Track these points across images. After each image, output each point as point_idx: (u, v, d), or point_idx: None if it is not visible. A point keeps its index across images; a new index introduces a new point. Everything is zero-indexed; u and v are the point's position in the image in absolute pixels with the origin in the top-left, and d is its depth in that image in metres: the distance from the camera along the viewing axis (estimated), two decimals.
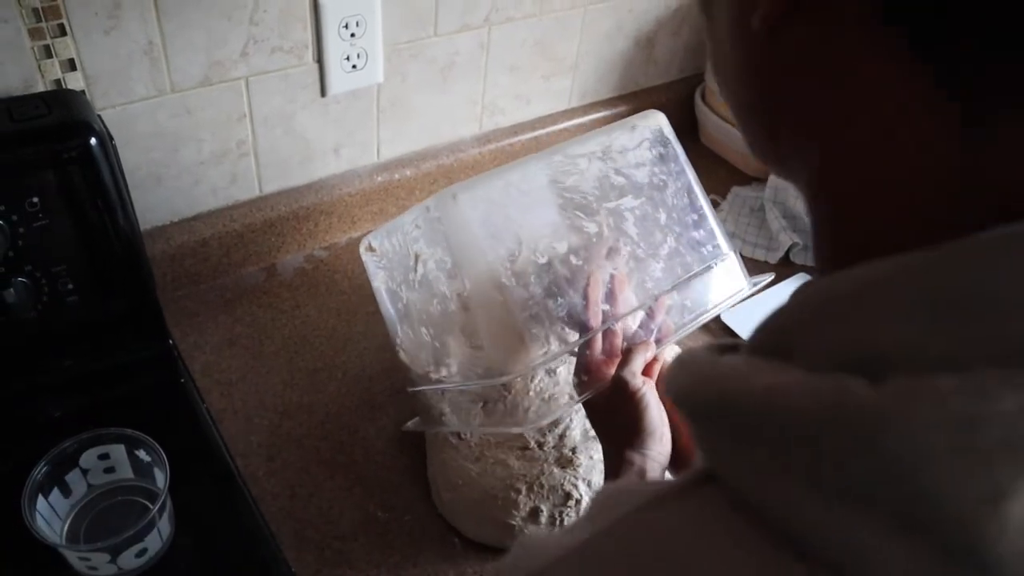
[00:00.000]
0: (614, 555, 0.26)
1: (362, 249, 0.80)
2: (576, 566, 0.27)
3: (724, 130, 1.21)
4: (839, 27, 0.26)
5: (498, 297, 0.69)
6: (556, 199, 0.71)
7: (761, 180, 1.21)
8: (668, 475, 0.68)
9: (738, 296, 0.77)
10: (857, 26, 0.25)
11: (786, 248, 1.08)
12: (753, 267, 1.06)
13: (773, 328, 0.27)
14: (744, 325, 0.98)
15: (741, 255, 1.09)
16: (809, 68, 0.27)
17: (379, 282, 0.79)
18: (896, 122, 0.25)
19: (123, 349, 0.79)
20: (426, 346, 0.77)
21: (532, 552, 0.28)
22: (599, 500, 0.30)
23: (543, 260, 0.71)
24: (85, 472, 0.70)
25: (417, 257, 0.73)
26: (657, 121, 0.77)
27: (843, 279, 0.24)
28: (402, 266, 0.76)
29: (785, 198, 1.10)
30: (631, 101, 1.22)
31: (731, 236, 1.11)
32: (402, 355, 0.79)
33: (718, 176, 1.22)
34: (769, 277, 0.80)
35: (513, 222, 0.70)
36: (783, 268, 1.08)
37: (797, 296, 0.27)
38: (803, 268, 1.08)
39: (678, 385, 0.28)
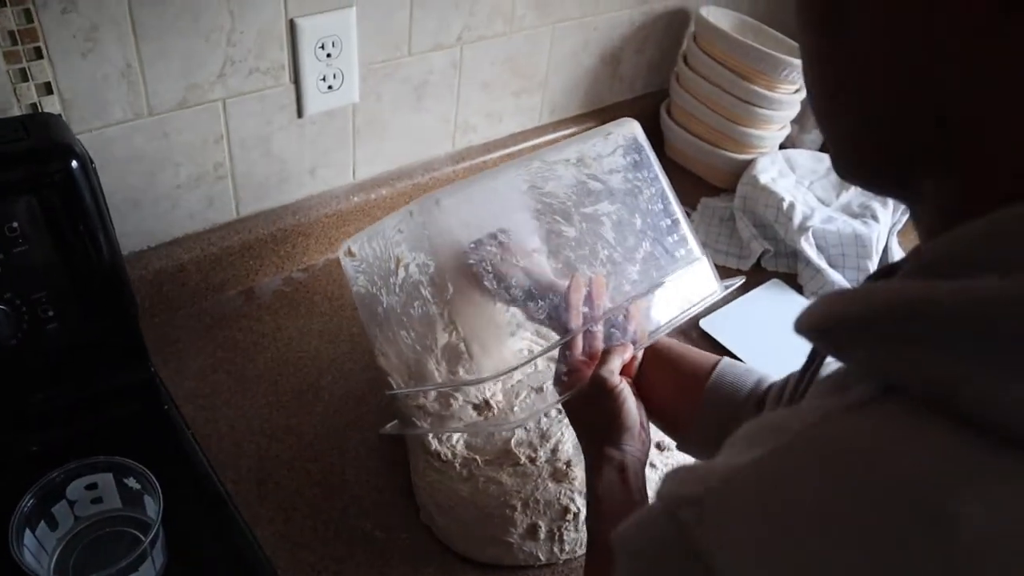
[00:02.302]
0: (810, 461, 0.28)
1: (341, 254, 0.80)
2: (765, 477, 0.28)
3: (690, 143, 1.24)
4: None
5: (480, 300, 0.69)
6: (536, 204, 0.72)
7: (728, 191, 1.23)
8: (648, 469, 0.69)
9: (710, 299, 0.79)
10: None
11: (757, 255, 1.11)
12: (726, 275, 1.07)
13: (951, 254, 0.28)
14: (720, 330, 1.00)
15: (714, 263, 1.12)
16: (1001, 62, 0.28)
17: (358, 286, 0.79)
18: None
19: (105, 376, 0.77)
20: (407, 349, 0.77)
21: (693, 476, 0.29)
22: (751, 429, 0.31)
23: (523, 264, 0.72)
24: (72, 504, 0.68)
25: (399, 261, 0.73)
26: (631, 129, 0.79)
27: None
28: (383, 270, 0.76)
29: (754, 207, 1.13)
30: (598, 117, 1.24)
31: (703, 246, 1.14)
32: (381, 360, 0.79)
33: (685, 188, 1.24)
34: (740, 280, 0.82)
35: (495, 227, 0.70)
36: (755, 274, 1.10)
37: (975, 225, 0.28)
38: (775, 274, 1.10)
39: (843, 313, 0.29)
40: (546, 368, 0.77)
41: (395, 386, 0.78)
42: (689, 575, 0.28)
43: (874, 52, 0.32)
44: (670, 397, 0.71)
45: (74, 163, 0.67)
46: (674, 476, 0.31)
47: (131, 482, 0.68)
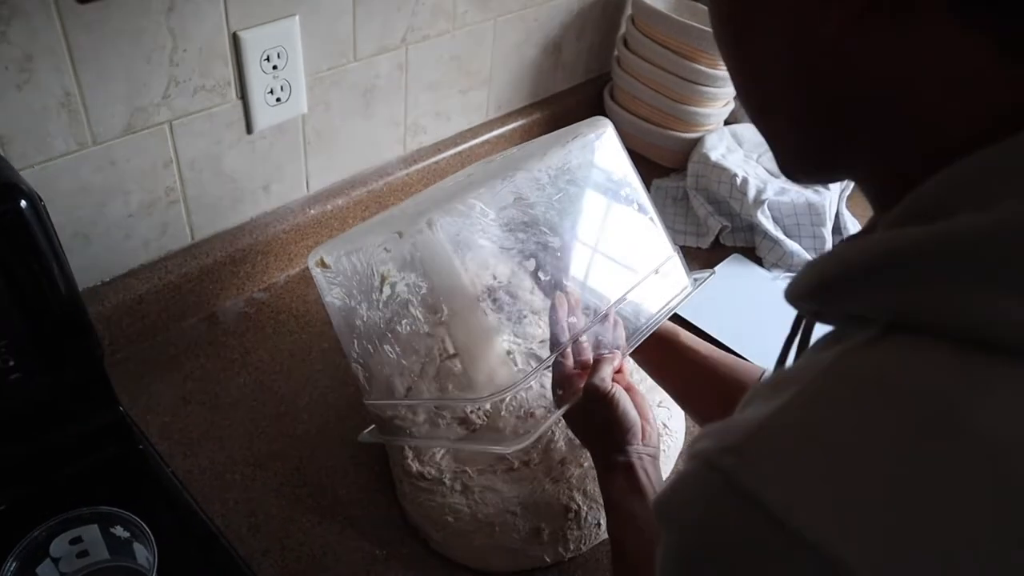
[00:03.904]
0: (835, 389, 0.30)
1: (312, 263, 0.78)
2: (796, 412, 0.30)
3: (636, 125, 1.24)
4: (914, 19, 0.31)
5: (475, 320, 0.68)
6: (523, 217, 0.71)
7: (677, 170, 1.25)
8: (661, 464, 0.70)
9: (683, 294, 0.80)
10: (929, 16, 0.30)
11: (716, 232, 1.12)
12: (686, 254, 1.09)
13: (924, 204, 0.31)
14: (688, 307, 1.00)
15: (674, 243, 1.13)
16: (888, 55, 0.32)
17: (333, 297, 0.77)
18: (964, 84, 0.31)
19: (74, 422, 0.73)
20: (391, 364, 0.76)
21: (722, 432, 0.31)
22: (763, 389, 0.33)
23: (513, 280, 0.71)
24: (56, 561, 0.64)
25: (384, 278, 0.72)
26: (604, 127, 0.79)
27: (979, 158, 0.30)
28: (364, 285, 0.74)
29: (707, 184, 1.14)
30: (544, 107, 1.24)
31: (672, 241, 1.15)
32: (357, 370, 0.77)
33: None
34: (710, 273, 0.83)
35: (484, 244, 0.70)
36: (716, 252, 1.11)
37: (942, 177, 0.31)
38: (734, 249, 1.12)
39: (844, 267, 0.31)
40: (538, 386, 0.76)
41: (373, 395, 0.76)
42: (743, 518, 0.28)
43: (781, 50, 0.35)
44: (722, 408, 0.72)
45: (23, 203, 0.63)
46: (703, 437, 0.32)
47: (118, 531, 0.65)
